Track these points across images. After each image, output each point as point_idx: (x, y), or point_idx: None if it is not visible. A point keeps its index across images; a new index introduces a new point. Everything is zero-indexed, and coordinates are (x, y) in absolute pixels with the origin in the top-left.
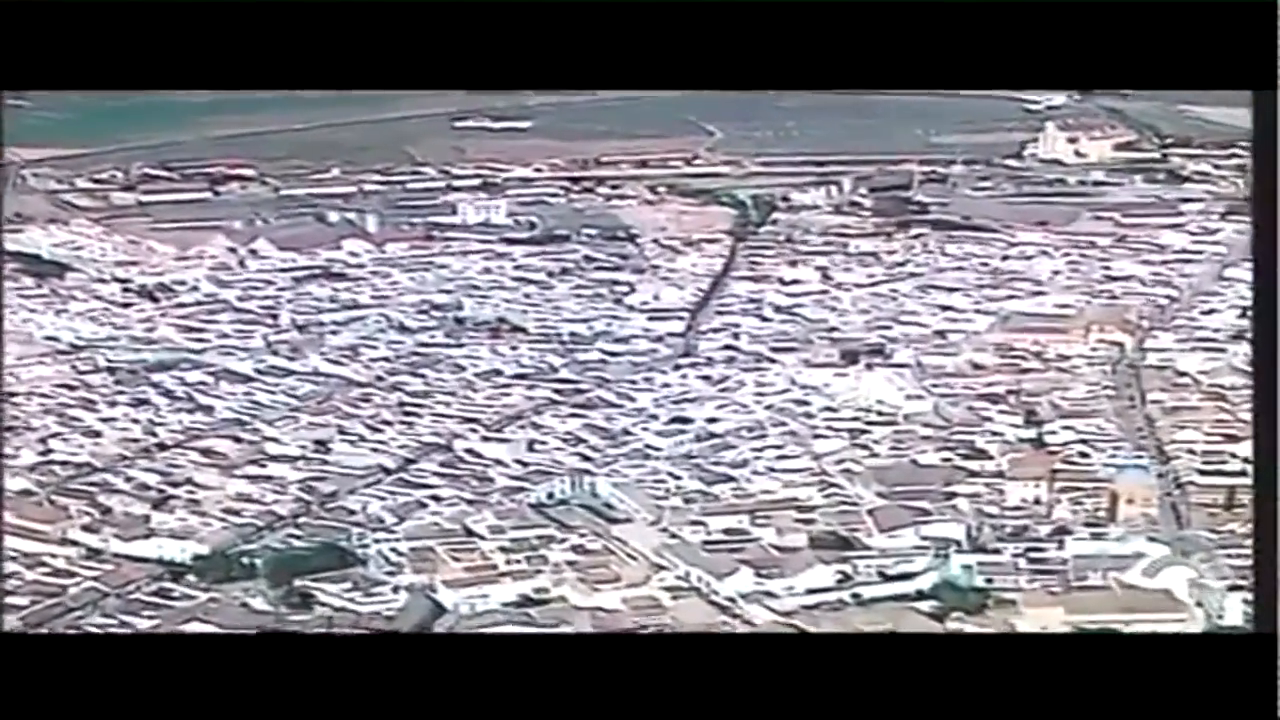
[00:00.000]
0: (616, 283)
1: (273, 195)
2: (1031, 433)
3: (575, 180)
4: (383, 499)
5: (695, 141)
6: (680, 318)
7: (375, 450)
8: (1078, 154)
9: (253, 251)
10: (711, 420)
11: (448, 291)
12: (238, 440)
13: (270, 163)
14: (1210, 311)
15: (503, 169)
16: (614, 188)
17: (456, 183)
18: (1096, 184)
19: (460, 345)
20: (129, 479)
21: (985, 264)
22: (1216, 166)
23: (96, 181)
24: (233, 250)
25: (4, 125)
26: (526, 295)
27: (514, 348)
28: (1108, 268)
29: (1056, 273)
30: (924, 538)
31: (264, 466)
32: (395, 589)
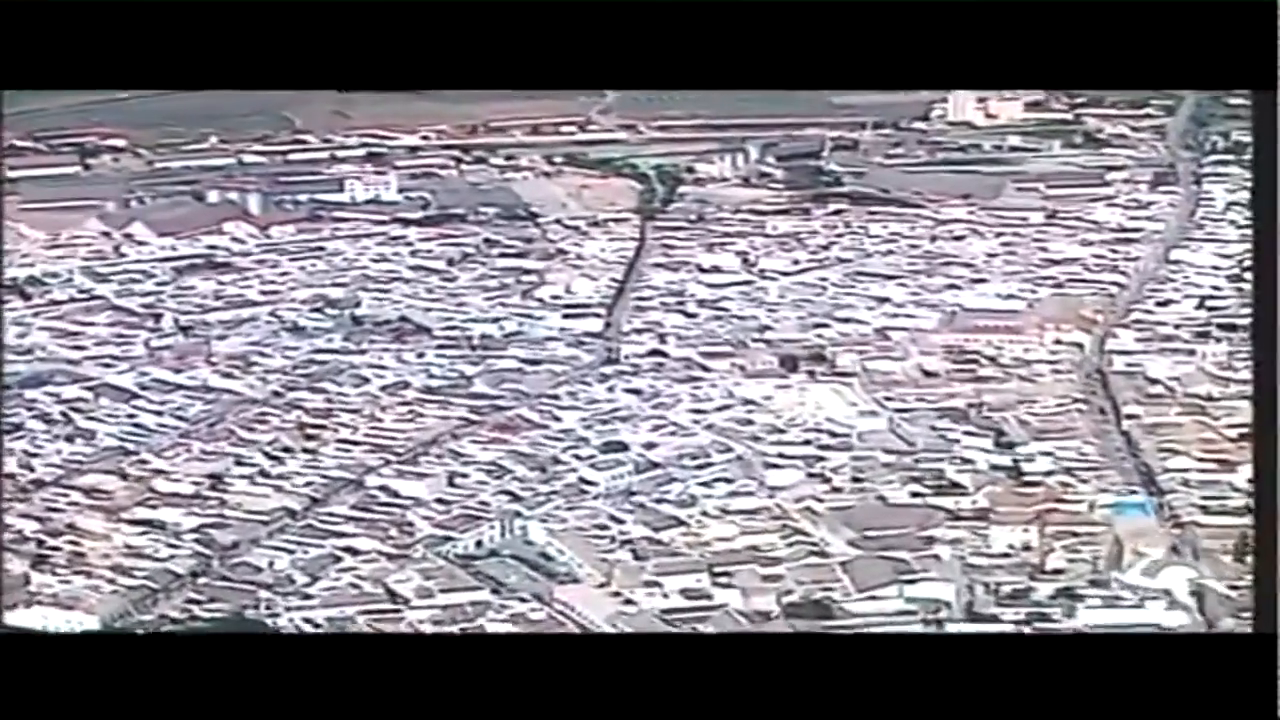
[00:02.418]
0: (524, 271)
1: (146, 168)
2: (1006, 459)
3: (466, 150)
4: (291, 551)
5: (587, 104)
6: (597, 314)
7: (278, 489)
8: (987, 115)
9: (128, 236)
10: (649, 445)
11: (342, 284)
12: (124, 476)
13: (142, 130)
14: (1167, 303)
15: (389, 137)
16: (508, 158)
17: (341, 153)
18: (1013, 149)
19: (361, 351)
20: (3, 526)
21: (915, 246)
22: (1134, 129)
23: None
24: (107, 234)
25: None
26: (428, 289)
27: (420, 355)
28: (1044, 248)
29: (992, 255)
30: (909, 599)
31: (154, 509)
32: None
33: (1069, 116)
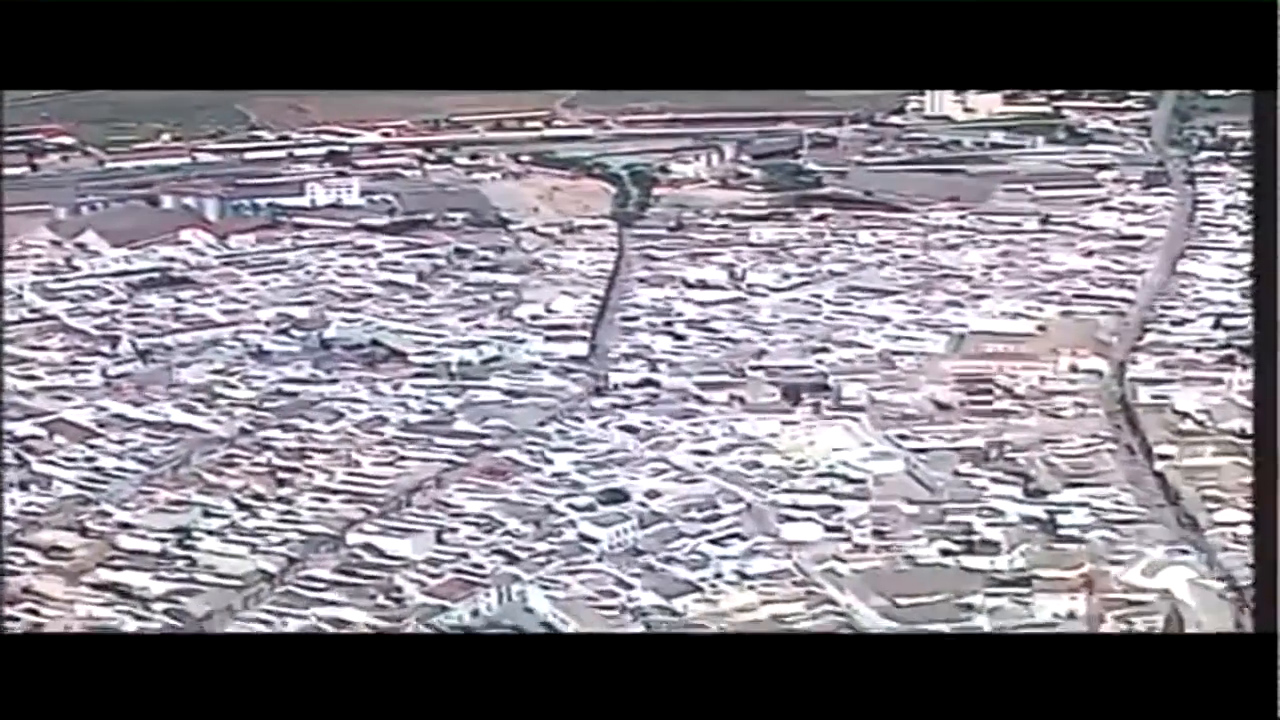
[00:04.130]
0: (500, 286)
1: (97, 168)
2: (1039, 510)
3: (429, 147)
4: (269, 624)
5: (551, 97)
6: (582, 336)
7: (252, 548)
8: (965, 109)
9: (81, 246)
10: (651, 494)
11: (308, 302)
12: (84, 532)
13: (91, 126)
14: (1182, 322)
15: (349, 133)
16: (473, 158)
17: (299, 151)
18: (995, 146)
19: (333, 380)
20: None
21: (908, 256)
22: (1117, 123)
23: None
24: (58, 244)
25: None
26: (400, 308)
27: (396, 386)
28: (1044, 258)
29: (990, 267)
30: None
31: (118, 570)
32: None
33: (1048, 109)
